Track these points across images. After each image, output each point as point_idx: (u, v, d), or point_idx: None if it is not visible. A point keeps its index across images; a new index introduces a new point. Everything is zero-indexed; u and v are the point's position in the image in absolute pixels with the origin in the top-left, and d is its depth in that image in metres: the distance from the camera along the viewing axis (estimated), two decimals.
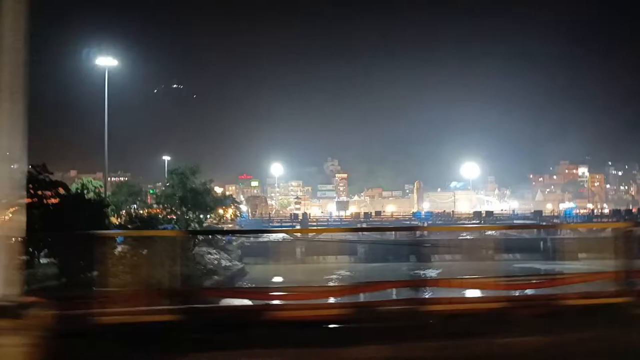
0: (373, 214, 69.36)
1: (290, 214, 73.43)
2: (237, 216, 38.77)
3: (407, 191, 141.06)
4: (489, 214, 62.09)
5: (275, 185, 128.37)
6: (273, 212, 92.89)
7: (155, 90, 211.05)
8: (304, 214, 67.58)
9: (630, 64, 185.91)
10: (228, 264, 32.69)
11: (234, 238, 36.61)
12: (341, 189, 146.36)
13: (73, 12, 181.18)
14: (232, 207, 36.94)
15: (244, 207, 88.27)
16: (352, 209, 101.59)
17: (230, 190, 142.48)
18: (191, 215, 30.69)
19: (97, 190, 34.30)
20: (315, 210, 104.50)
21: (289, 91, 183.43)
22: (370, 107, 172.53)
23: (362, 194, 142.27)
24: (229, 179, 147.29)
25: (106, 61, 33.53)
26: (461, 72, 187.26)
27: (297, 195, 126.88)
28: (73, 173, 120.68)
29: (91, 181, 34.17)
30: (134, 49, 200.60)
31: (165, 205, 30.83)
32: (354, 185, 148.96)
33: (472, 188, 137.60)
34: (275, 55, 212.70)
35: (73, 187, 34.16)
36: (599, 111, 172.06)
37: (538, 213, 64.28)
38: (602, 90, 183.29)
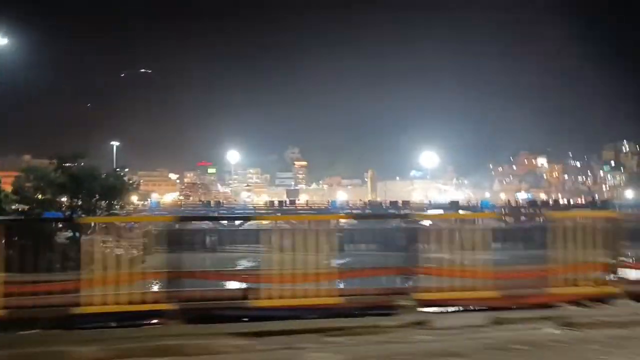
0: (287, 202, 68.80)
1: (200, 201, 72.37)
2: (126, 205, 37.40)
3: (366, 179, 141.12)
4: (406, 203, 62.16)
5: (232, 172, 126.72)
6: (222, 199, 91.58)
7: (122, 75, 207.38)
8: (217, 202, 66.63)
9: (594, 57, 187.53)
10: (121, 252, 31.59)
11: (136, 225, 35.28)
12: (300, 176, 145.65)
13: None
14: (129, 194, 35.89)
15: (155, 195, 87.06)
16: (304, 197, 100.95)
17: (189, 177, 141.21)
18: (75, 202, 29.52)
19: None
20: (264, 197, 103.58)
21: (252, 79, 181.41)
22: (333, 97, 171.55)
23: (320, 182, 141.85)
24: (190, 165, 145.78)
25: None
26: (423, 61, 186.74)
27: (248, 183, 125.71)
28: (27, 157, 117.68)
29: None
30: (97, 34, 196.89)
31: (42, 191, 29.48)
32: (315, 173, 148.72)
33: (431, 177, 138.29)
34: (236, 43, 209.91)
35: None
36: (562, 103, 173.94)
37: (455, 203, 64.30)
38: (566, 83, 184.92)
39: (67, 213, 30.57)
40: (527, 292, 7.58)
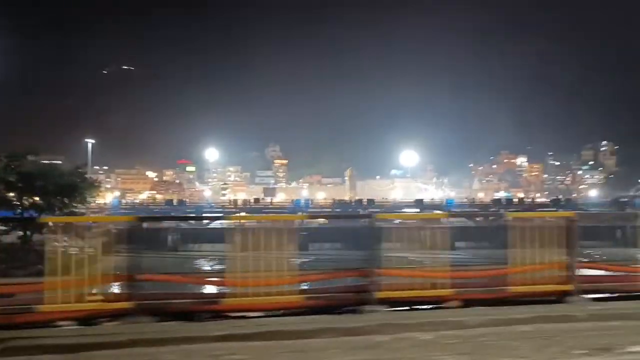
0: (252, 201, 68.58)
1: (165, 200, 71.72)
2: (86, 203, 36.37)
3: (347, 178, 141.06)
4: (371, 201, 62.34)
5: (211, 170, 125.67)
6: (197, 198, 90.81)
7: (105, 71, 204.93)
8: (180, 201, 66.02)
9: (575, 55, 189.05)
10: (76, 251, 30.86)
11: (94, 224, 34.46)
12: (280, 175, 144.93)
13: None
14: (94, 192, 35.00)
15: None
16: (281, 196, 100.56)
17: (168, 175, 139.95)
18: (27, 201, 28.71)
19: None
20: (241, 196, 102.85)
21: (233, 76, 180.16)
22: (315, 95, 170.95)
23: (301, 180, 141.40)
24: (170, 163, 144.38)
25: None
26: (405, 60, 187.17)
27: (225, 182, 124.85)
28: (31, 157, 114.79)
29: None
30: (76, 31, 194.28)
31: None
32: (296, 171, 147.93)
33: (411, 176, 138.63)
34: (216, 40, 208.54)
35: None
36: (545, 102, 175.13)
37: (419, 202, 64.40)
38: (548, 81, 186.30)
39: (18, 212, 29.80)
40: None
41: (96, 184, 41.14)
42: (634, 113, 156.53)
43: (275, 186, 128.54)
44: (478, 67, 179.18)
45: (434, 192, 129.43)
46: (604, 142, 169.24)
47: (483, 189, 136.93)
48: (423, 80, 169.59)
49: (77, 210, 36.59)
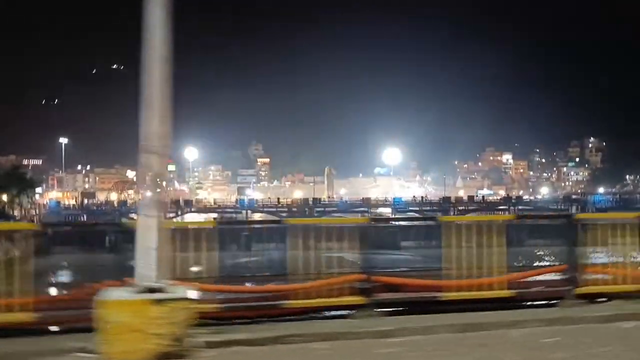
0: (194, 201, 67.78)
1: (118, 202, 70.60)
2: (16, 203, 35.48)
3: (325, 176, 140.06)
4: (316, 200, 61.82)
5: (191, 169, 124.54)
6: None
7: (94, 71, 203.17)
8: (123, 202, 64.94)
9: (563, 51, 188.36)
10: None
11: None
12: (263, 173, 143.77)
13: None
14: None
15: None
16: (258, 195, 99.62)
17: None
18: None
19: None
20: (216, 195, 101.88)
21: (216, 73, 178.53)
22: (299, 93, 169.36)
23: (283, 178, 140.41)
24: None
25: None
26: (388, 57, 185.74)
27: (199, 181, 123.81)
28: (12, 157, 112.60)
29: None
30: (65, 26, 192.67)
31: None
32: (278, 169, 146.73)
33: (394, 174, 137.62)
34: (198, 38, 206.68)
35: None
36: (530, 99, 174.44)
37: (367, 200, 63.65)
38: (535, 79, 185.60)
39: None
40: None
41: (36, 185, 40.25)
42: (622, 110, 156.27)
43: (256, 185, 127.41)
44: (464, 64, 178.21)
45: (416, 189, 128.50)
46: (591, 139, 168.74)
47: (467, 187, 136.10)
48: (408, 78, 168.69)
49: (6, 212, 35.71)
